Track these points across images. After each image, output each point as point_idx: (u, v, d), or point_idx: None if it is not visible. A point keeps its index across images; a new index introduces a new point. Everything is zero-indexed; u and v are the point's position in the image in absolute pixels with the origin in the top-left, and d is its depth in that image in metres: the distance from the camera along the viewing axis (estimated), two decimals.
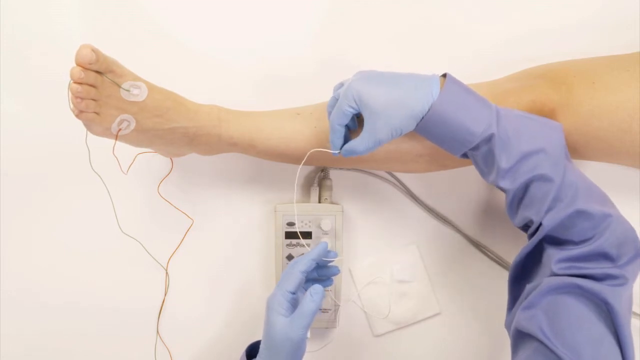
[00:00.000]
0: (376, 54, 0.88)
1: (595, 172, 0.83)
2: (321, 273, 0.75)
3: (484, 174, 0.68)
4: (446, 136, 0.65)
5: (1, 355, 0.87)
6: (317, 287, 0.67)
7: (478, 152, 0.66)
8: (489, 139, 0.64)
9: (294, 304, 0.68)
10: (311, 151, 0.73)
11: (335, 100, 0.70)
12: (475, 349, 0.87)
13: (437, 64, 0.87)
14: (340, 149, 0.70)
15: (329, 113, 0.71)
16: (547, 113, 0.71)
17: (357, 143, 0.67)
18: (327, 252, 0.72)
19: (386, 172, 0.88)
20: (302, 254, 0.84)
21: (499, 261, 0.87)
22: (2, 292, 0.88)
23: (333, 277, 0.77)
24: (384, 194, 0.88)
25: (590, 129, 0.71)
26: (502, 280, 0.86)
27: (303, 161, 0.73)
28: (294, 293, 0.68)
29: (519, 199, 0.66)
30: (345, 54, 0.88)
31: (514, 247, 0.86)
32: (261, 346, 0.68)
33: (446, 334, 0.87)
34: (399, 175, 0.88)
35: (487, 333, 0.87)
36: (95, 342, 0.88)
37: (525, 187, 0.64)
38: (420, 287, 0.87)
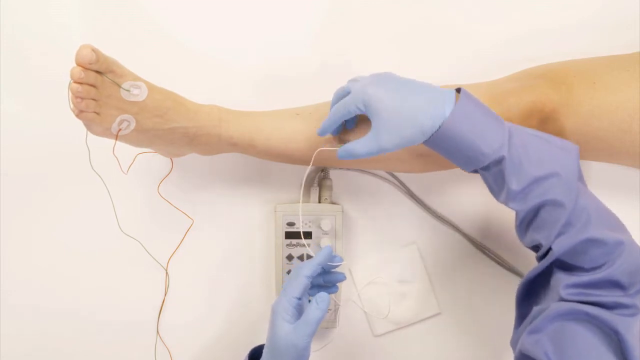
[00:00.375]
0: (376, 54, 0.88)
1: (595, 172, 0.84)
2: (327, 279, 0.74)
3: (494, 192, 0.67)
4: (455, 154, 0.64)
5: (1, 356, 0.87)
6: (323, 295, 0.65)
7: (488, 173, 0.64)
8: (500, 161, 0.62)
9: (299, 310, 0.67)
10: (318, 150, 0.72)
11: (345, 93, 0.69)
12: (475, 349, 0.87)
13: (437, 64, 0.87)
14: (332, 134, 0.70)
15: (334, 102, 0.70)
16: (547, 113, 0.71)
17: (360, 146, 0.66)
18: (332, 257, 0.71)
19: (386, 172, 0.88)
20: (302, 254, 0.84)
21: (499, 261, 0.87)
22: (2, 292, 0.88)
23: (338, 284, 0.75)
24: (384, 194, 0.88)
25: (590, 129, 0.71)
26: (502, 280, 0.87)
27: (311, 162, 0.73)
28: (299, 299, 0.67)
29: (528, 220, 0.64)
30: (345, 54, 0.88)
31: (514, 247, 0.86)
32: (264, 350, 0.68)
33: (446, 334, 0.87)
34: (399, 175, 0.88)
35: (487, 333, 0.87)
36: (95, 342, 0.88)
37: (536, 210, 0.62)
38: (420, 287, 0.87)
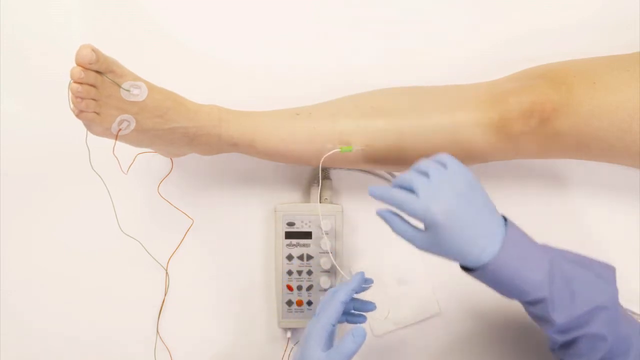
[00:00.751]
0: (376, 54, 0.88)
1: (595, 172, 0.84)
2: (357, 307, 0.74)
3: (536, 320, 0.65)
4: (494, 287, 0.63)
5: (1, 356, 0.87)
6: (360, 330, 0.65)
7: (531, 307, 0.63)
8: (541, 300, 0.61)
9: (332, 336, 0.68)
10: (326, 155, 0.73)
11: (407, 183, 0.63)
12: (475, 349, 0.87)
13: (437, 64, 0.87)
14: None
15: (395, 186, 0.64)
16: (547, 113, 0.71)
17: (397, 225, 0.63)
18: (365, 280, 0.71)
19: (386, 172, 0.88)
20: (302, 254, 0.84)
21: None
22: (2, 292, 0.88)
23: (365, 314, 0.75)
24: None
25: (590, 129, 0.71)
26: None
27: (320, 164, 0.74)
28: (334, 325, 0.67)
29: (564, 344, 0.63)
30: (345, 54, 0.88)
31: None
32: None
33: (446, 334, 0.87)
34: (399, 175, 0.88)
35: (487, 333, 0.87)
36: (95, 341, 0.88)
37: (574, 339, 0.61)
38: (420, 287, 0.87)
